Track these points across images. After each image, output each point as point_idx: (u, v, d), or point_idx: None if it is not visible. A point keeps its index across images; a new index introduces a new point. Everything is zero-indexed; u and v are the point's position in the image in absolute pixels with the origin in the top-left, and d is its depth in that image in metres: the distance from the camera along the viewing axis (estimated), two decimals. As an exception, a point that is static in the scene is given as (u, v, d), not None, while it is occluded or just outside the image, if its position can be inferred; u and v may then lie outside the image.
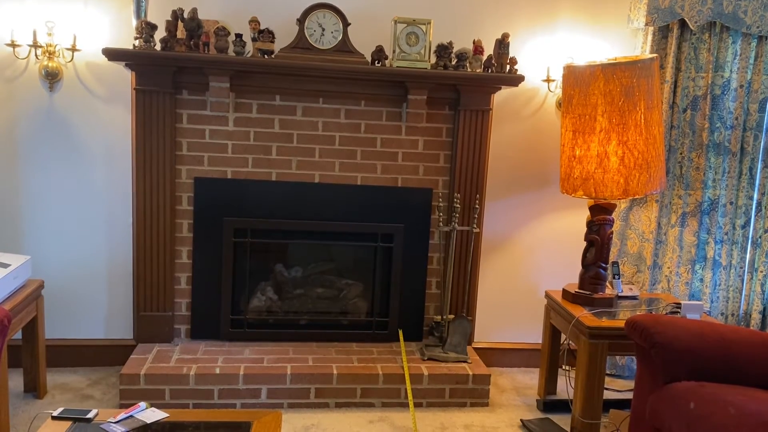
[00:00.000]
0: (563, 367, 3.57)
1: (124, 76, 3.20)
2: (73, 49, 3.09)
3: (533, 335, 3.68)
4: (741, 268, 3.63)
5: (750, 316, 3.66)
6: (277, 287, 3.49)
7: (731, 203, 3.55)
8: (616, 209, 3.48)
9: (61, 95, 3.17)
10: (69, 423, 2.02)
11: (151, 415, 2.05)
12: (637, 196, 2.95)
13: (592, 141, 2.93)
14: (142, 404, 2.09)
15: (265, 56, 3.08)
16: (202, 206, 3.28)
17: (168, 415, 2.06)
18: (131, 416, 2.04)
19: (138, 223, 3.23)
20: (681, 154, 3.50)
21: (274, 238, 3.39)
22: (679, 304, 2.99)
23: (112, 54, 2.96)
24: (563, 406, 3.16)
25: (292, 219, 3.33)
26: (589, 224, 3.12)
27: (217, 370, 2.98)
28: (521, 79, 3.21)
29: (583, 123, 2.95)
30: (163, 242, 3.25)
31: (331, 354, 3.27)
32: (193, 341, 3.34)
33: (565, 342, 3.41)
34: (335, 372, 3.06)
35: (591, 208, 3.11)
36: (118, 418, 2.02)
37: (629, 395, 3.34)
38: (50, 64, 3.11)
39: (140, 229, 3.23)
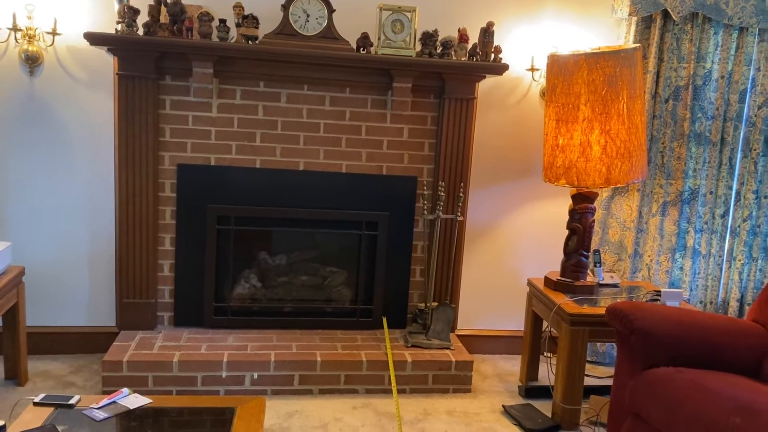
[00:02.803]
0: (545, 354, 3.61)
1: (106, 61, 3.17)
2: (54, 33, 3.05)
3: (515, 322, 3.72)
4: (720, 256, 3.69)
5: (728, 304, 3.73)
6: (261, 275, 3.49)
7: (711, 193, 3.60)
8: (598, 198, 3.52)
9: (42, 80, 3.12)
10: (51, 409, 2.01)
11: (134, 400, 2.05)
12: (619, 185, 2.98)
13: (575, 130, 2.95)
14: (125, 390, 2.09)
15: (249, 42, 3.06)
16: (186, 193, 3.26)
17: (151, 401, 2.05)
18: (114, 402, 2.03)
19: (120, 209, 3.20)
20: (663, 143, 3.54)
21: (258, 226, 3.38)
22: (659, 291, 3.04)
23: (93, 38, 2.93)
24: (545, 392, 3.20)
25: (276, 206, 3.32)
26: (572, 213, 3.15)
27: (201, 357, 2.98)
28: (506, 67, 3.22)
29: (567, 112, 2.97)
30: (145, 229, 3.23)
31: (315, 341, 3.28)
32: (177, 328, 3.33)
33: (547, 329, 3.44)
34: (319, 359, 3.07)
35: (573, 197, 3.14)
36: (101, 403, 2.02)
37: (609, 381, 3.39)
38: (30, 48, 3.06)
39: (123, 215, 3.21)
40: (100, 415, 1.95)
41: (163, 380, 2.95)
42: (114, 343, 3.09)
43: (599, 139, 2.92)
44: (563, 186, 3.04)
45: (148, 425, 1.94)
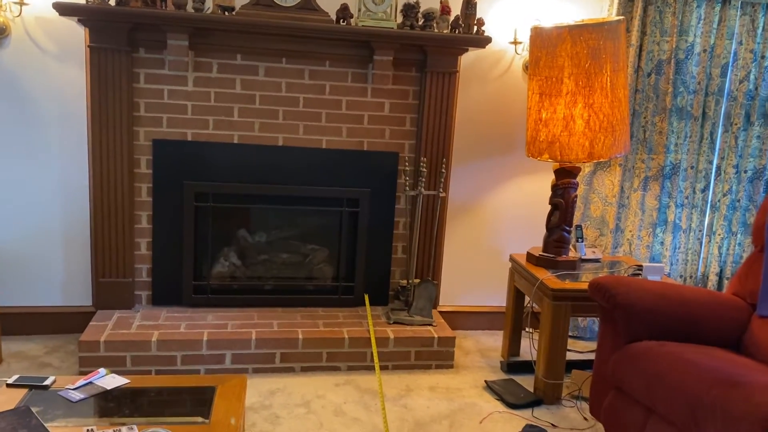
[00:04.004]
0: (526, 329, 3.62)
1: (77, 33, 3.06)
2: (21, 3, 2.93)
3: (497, 298, 3.71)
4: (700, 231, 3.71)
5: (707, 278, 3.75)
6: (240, 253, 3.43)
7: (692, 167, 3.61)
8: (580, 173, 3.50)
9: (10, 52, 3.01)
10: (25, 390, 1.96)
11: (112, 381, 2.00)
12: (601, 159, 2.96)
13: (559, 104, 2.92)
14: (102, 370, 2.04)
15: (226, 13, 2.97)
16: (162, 169, 3.18)
17: (129, 381, 2.01)
18: (90, 383, 1.98)
19: (95, 186, 3.12)
20: (645, 118, 3.53)
21: (237, 203, 3.32)
22: (641, 266, 3.04)
23: (63, 8, 2.82)
24: (526, 367, 3.21)
25: (255, 183, 3.26)
26: (554, 188, 3.13)
27: (180, 336, 2.94)
28: (488, 40, 3.17)
29: (550, 85, 2.93)
30: (121, 206, 3.16)
31: (296, 319, 3.24)
32: (155, 307, 3.28)
33: (529, 304, 3.44)
34: (301, 336, 3.04)
35: (556, 172, 3.12)
36: (77, 384, 1.97)
37: (591, 356, 3.41)
38: (-4, 19, 2.94)
39: (97, 192, 3.12)
40: (76, 395, 1.90)
41: (141, 360, 2.90)
42: (90, 323, 3.03)
43: (582, 113, 2.89)
44: (546, 161, 3.02)
45: (126, 406, 1.90)
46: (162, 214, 3.22)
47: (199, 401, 1.94)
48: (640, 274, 2.99)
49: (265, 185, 3.26)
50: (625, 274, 3.02)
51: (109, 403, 1.90)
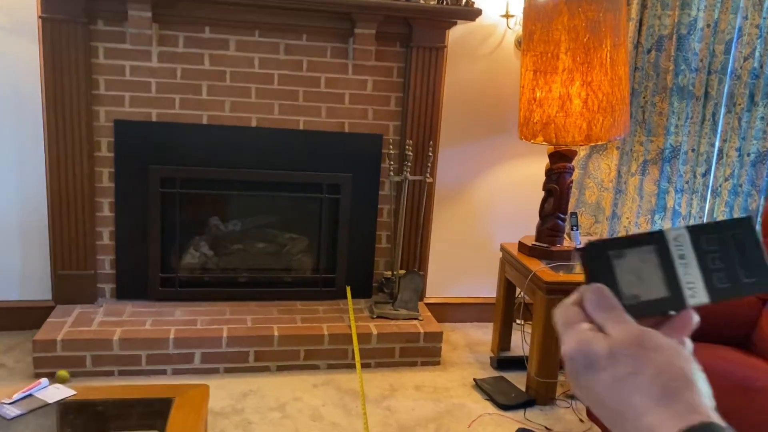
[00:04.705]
0: (517, 321, 3.42)
1: (28, 2, 2.78)
2: (-37, -32, 2.65)
3: (486, 289, 3.51)
4: (700, 218, 3.52)
5: (707, 266, 3.57)
6: (212, 242, 3.20)
7: (693, 150, 3.41)
8: (576, 157, 3.28)
9: (-48, 23, 2.73)
10: (-44, 405, 1.73)
11: (55, 393, 1.77)
12: (600, 142, 2.75)
13: (554, 82, 2.70)
14: (44, 380, 1.81)
15: (191, -19, 2.71)
16: (125, 152, 2.94)
17: (75, 392, 1.78)
18: (30, 395, 1.76)
19: (51, 171, 2.87)
20: (644, 98, 3.32)
21: (208, 189, 3.08)
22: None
23: (8, -26, 2.55)
24: (518, 364, 3.01)
25: (226, 167, 3.02)
26: (548, 173, 2.92)
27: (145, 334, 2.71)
28: (478, 12, 2.93)
29: (545, 62, 2.71)
30: (81, 193, 2.91)
31: (272, 314, 3.02)
32: (119, 302, 3.04)
33: (520, 295, 3.25)
34: (276, 333, 2.82)
35: (551, 156, 2.91)
36: (15, 397, 1.74)
37: (585, 350, 3.22)
38: (-64, -14, 2.66)
39: (54, 178, 2.87)
40: (12, 411, 1.67)
41: (103, 360, 2.68)
42: (48, 320, 2.80)
43: (580, 92, 2.67)
44: (540, 144, 2.80)
45: (69, 423, 1.67)
46: (125, 201, 2.98)
47: (153, 415, 1.72)
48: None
49: (239, 170, 3.03)
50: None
51: (48, 420, 1.67)
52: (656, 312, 0.51)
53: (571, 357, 0.49)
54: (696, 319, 0.52)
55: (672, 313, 0.52)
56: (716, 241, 0.52)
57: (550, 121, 2.73)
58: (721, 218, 3.50)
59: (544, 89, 2.72)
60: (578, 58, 2.65)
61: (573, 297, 0.53)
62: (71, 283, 2.97)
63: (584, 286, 0.52)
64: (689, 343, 0.51)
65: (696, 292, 0.51)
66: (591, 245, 0.52)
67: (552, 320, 0.53)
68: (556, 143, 2.76)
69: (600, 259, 0.52)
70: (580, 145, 2.85)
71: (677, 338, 0.50)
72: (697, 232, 0.52)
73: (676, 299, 0.51)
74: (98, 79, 2.86)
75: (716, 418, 0.44)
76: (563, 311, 0.52)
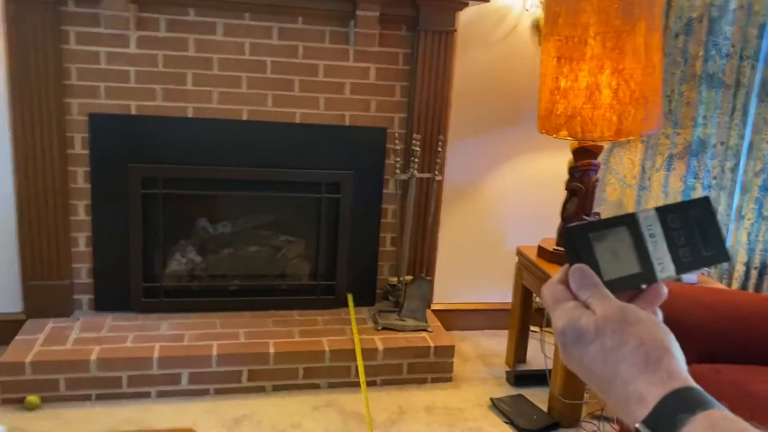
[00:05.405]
0: (533, 329, 3.16)
1: (-13, -19, 2.46)
2: None
3: (498, 294, 3.25)
4: (727, 215, 3.27)
5: (734, 268, 3.33)
6: (200, 247, 2.92)
7: (722, 143, 3.14)
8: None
9: None
10: None
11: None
12: (630, 137, 2.49)
13: (581, 69, 2.42)
14: (1, 429, 1.53)
15: (173, -44, 2.40)
16: (101, 150, 2.64)
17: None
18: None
19: (19, 171, 2.57)
20: (671, 87, 3.04)
21: (195, 189, 2.80)
22: (674, 263, 2.58)
23: (-39, -53, 2.23)
24: (537, 379, 2.75)
25: (215, 165, 2.73)
26: (572, 171, 2.65)
27: (126, 352, 2.43)
28: (494, -8, 2.64)
29: (571, 47, 2.42)
30: (52, 195, 2.62)
31: (267, 326, 2.75)
32: (98, 314, 2.76)
33: (537, 300, 2.98)
34: (272, 350, 2.55)
35: (575, 152, 2.63)
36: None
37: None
38: None
39: (22, 179, 2.58)
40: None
41: (79, 383, 2.40)
42: (16, 337, 2.52)
43: (610, 81, 2.39)
44: (564, 139, 2.53)
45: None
46: (103, 203, 2.69)
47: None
48: (673, 273, 2.54)
49: (227, 168, 2.74)
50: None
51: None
52: (631, 286, 0.58)
53: (563, 332, 0.54)
54: (665, 291, 0.59)
55: (644, 286, 0.58)
56: (680, 219, 0.59)
57: (575, 113, 2.45)
58: (749, 216, 3.25)
59: (569, 78, 2.44)
60: (609, 44, 2.36)
61: (558, 276, 0.58)
62: (44, 294, 2.68)
63: (567, 265, 0.58)
64: (660, 314, 0.58)
65: (665, 266, 0.58)
66: (574, 229, 0.58)
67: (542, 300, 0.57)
68: (582, 138, 2.48)
69: (582, 241, 0.57)
70: (610, 141, 2.58)
71: (650, 309, 0.57)
72: (664, 212, 0.59)
73: (648, 274, 0.58)
74: (70, 68, 2.55)
75: (692, 382, 0.50)
76: (550, 289, 0.58)
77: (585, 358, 0.53)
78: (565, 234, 0.61)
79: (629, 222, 0.58)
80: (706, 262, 0.59)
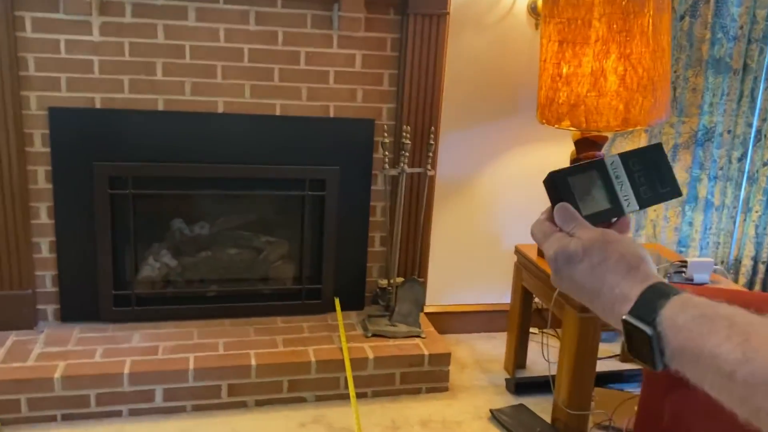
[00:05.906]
0: (532, 331, 2.98)
1: (-70, -38, 2.23)
2: None
3: (494, 295, 3.07)
4: (734, 208, 3.11)
5: (740, 263, 3.18)
6: (175, 250, 2.71)
7: (729, 132, 2.98)
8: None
9: None
10: None
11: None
12: (638, 127, 2.31)
13: (585, 54, 2.23)
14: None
15: (136, -68, 2.18)
16: (63, 147, 2.42)
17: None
18: None
19: (-27, 171, 2.35)
20: (676, 72, 2.87)
21: (167, 188, 2.59)
22: (685, 262, 2.42)
23: None
24: (538, 387, 2.58)
25: (189, 162, 2.52)
26: (574, 162, 2.46)
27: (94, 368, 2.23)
28: (489, -29, 2.44)
29: (574, 30, 2.23)
30: (10, 197, 2.40)
31: (248, 335, 2.55)
32: (64, 325, 2.55)
33: (537, 301, 2.81)
34: (254, 362, 2.36)
35: (577, 143, 2.45)
36: None
37: (613, 365, 2.81)
38: None
39: (-23, 179, 2.35)
40: None
41: (42, 403, 2.19)
42: (-27, 354, 2.30)
43: (617, 67, 2.21)
44: (567, 129, 2.34)
45: None
46: (67, 205, 2.47)
47: None
48: (684, 272, 2.37)
49: (203, 165, 2.53)
50: (666, 275, 2.40)
51: None
52: (604, 220, 0.69)
53: (555, 257, 0.66)
54: (630, 222, 0.76)
55: (614, 220, 0.70)
56: (639, 162, 0.71)
57: (579, 101, 2.26)
58: (757, 208, 3.09)
59: (572, 63, 2.26)
60: (615, 26, 2.18)
61: (544, 215, 0.70)
62: (4, 305, 2.47)
63: (551, 206, 0.69)
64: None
65: (630, 202, 0.70)
66: (555, 174, 0.69)
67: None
68: (586, 129, 2.30)
69: (562, 184, 0.69)
70: (615, 131, 2.40)
71: None
72: (626, 157, 0.71)
73: (616, 209, 0.70)
74: (26, 58, 2.33)
75: (664, 280, 0.61)
76: (539, 227, 0.70)
77: (576, 275, 0.65)
78: (546, 179, 0.69)
79: (599, 166, 0.70)
80: (663, 198, 0.71)
